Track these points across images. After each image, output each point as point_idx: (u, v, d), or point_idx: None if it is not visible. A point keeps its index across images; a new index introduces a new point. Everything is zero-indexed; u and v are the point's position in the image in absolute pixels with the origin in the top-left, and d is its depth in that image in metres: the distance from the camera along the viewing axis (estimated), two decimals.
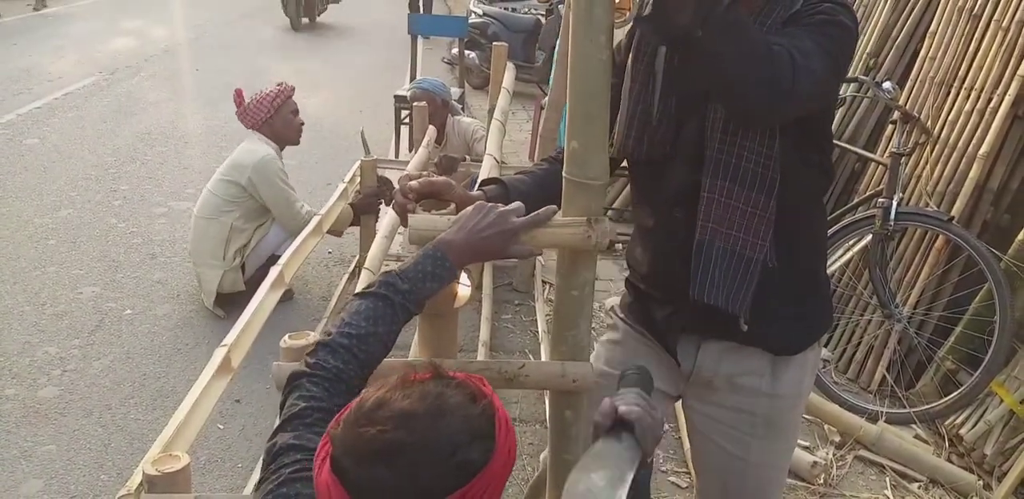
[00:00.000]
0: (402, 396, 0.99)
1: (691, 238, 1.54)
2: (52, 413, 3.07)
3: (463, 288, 1.57)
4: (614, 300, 1.89)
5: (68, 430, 2.98)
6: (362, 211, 3.92)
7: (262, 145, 3.93)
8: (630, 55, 1.62)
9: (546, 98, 4.78)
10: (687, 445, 2.98)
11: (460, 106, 5.77)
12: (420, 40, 6.77)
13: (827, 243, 1.84)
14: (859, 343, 3.57)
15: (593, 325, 1.90)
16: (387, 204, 3.94)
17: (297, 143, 4.15)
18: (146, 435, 2.92)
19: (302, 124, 4.11)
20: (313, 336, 1.59)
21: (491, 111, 4.07)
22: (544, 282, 4.38)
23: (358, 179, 4.08)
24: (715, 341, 1.66)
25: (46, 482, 2.71)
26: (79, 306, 3.89)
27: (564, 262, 1.49)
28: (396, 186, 1.59)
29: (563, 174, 1.43)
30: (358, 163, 4.09)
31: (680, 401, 1.84)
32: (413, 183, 1.51)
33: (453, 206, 1.53)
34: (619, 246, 4.90)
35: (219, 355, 2.04)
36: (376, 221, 3.93)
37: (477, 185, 1.74)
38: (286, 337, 1.58)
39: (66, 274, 4.21)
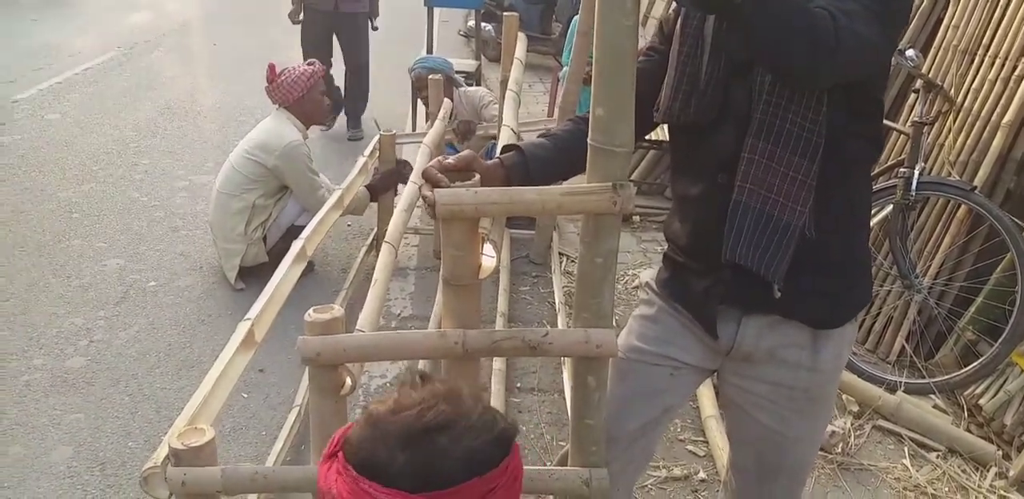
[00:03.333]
0: (417, 390, 0.99)
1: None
2: (79, 382, 3.12)
3: (487, 259, 1.58)
4: (648, 274, 1.89)
5: (95, 399, 3.03)
6: (380, 191, 3.93)
7: (290, 127, 3.91)
8: (679, 21, 1.61)
9: (564, 70, 4.76)
10: (704, 414, 3.00)
11: (470, 79, 5.76)
12: (436, 12, 6.71)
13: (870, 216, 1.82)
14: (878, 314, 3.56)
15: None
16: (404, 183, 3.95)
17: (323, 123, 4.15)
18: (173, 403, 2.97)
19: (330, 105, 4.10)
20: (337, 309, 1.60)
21: (504, 82, 4.05)
22: (561, 254, 4.39)
23: (377, 154, 4.09)
24: (757, 316, 1.65)
25: (75, 449, 2.76)
26: (104, 278, 3.94)
27: (588, 230, 1.50)
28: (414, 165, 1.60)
29: (588, 141, 1.43)
30: (377, 138, 4.10)
31: (716, 375, 1.85)
32: (448, 160, 1.51)
33: (477, 177, 1.54)
34: (636, 218, 4.90)
35: (243, 329, 2.06)
36: (395, 197, 3.95)
37: (498, 151, 1.74)
38: (311, 311, 1.60)
39: (90, 247, 4.26)
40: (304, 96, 3.92)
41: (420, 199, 1.48)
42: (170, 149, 5.83)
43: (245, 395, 3.10)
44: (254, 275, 3.88)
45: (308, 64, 4.03)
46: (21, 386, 3.09)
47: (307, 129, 4.01)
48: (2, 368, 3.20)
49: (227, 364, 1.88)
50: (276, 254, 3.81)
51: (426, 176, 1.48)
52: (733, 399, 1.82)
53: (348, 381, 1.59)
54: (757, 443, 1.83)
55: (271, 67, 3.92)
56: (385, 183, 3.98)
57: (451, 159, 1.53)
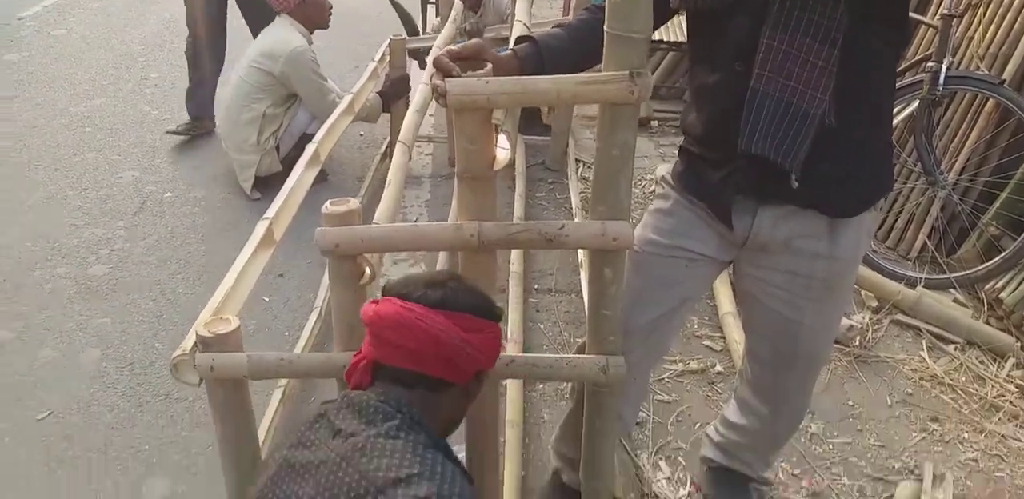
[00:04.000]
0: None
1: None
2: (103, 289, 3.17)
3: (501, 151, 1.55)
4: (664, 169, 1.86)
5: (120, 305, 3.09)
6: (392, 97, 3.86)
7: (294, 33, 3.82)
8: None
9: None
10: (721, 311, 3.02)
11: None
12: None
13: (893, 106, 1.76)
14: (900, 211, 3.53)
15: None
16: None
17: (327, 27, 4.04)
18: (196, 308, 2.97)
19: (331, 7, 3.99)
20: (353, 202, 1.60)
21: None
22: (577, 160, 4.35)
23: (387, 59, 4.01)
24: (772, 206, 1.63)
25: (103, 351, 2.83)
26: (120, 190, 3.95)
27: (604, 121, 1.46)
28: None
29: (605, 29, 1.38)
30: (387, 42, 4.01)
31: (732, 266, 1.84)
32: (453, 47, 1.47)
33: (489, 67, 1.50)
34: (654, 123, 4.81)
35: (262, 227, 2.07)
36: (406, 106, 3.88)
37: (511, 42, 1.70)
38: (327, 203, 1.59)
39: (105, 160, 4.26)
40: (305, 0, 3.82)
41: (432, 90, 1.44)
42: (178, 62, 5.69)
43: (266, 299, 3.14)
44: (269, 185, 3.88)
45: None
46: (46, 294, 3.15)
47: (311, 34, 3.92)
48: (26, 277, 3.25)
49: (248, 261, 1.89)
50: (289, 163, 3.76)
51: (437, 65, 1.45)
52: (749, 290, 1.83)
53: (368, 272, 1.60)
54: (773, 333, 1.84)
55: None
56: (396, 89, 3.91)
57: (459, 47, 1.49)
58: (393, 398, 1.28)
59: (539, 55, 1.59)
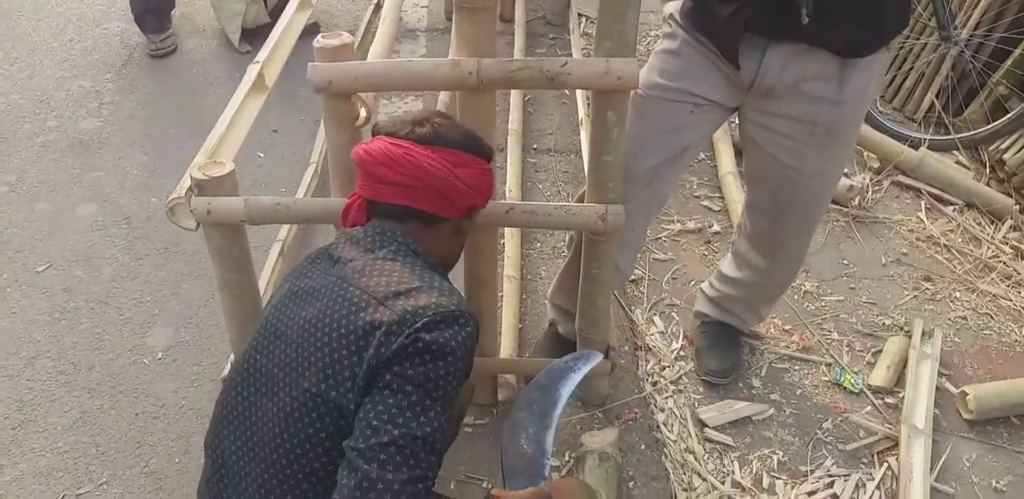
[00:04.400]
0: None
1: None
2: (95, 143, 3.12)
3: None
4: (673, 6, 1.77)
5: (113, 158, 3.04)
6: None
7: None
8: None
9: None
10: (721, 171, 2.99)
11: None
12: None
13: None
14: (910, 69, 3.42)
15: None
16: None
17: None
18: (190, 161, 2.96)
19: None
20: (346, 36, 1.52)
21: None
22: (580, 15, 4.17)
23: None
24: (781, 44, 1.57)
25: (99, 205, 2.82)
26: (106, 41, 3.81)
27: None
28: None
29: None
30: None
31: (737, 114, 1.80)
32: None
33: None
34: None
35: (253, 72, 2.00)
36: None
37: None
38: (319, 37, 1.52)
39: (88, 10, 4.09)
40: None
41: None
42: None
43: (261, 155, 3.09)
44: (259, 37, 3.71)
45: None
46: (38, 147, 3.09)
47: None
48: (17, 130, 3.19)
49: (240, 105, 1.84)
50: (277, 15, 3.62)
51: None
52: (752, 137, 1.79)
53: (363, 112, 1.55)
54: (773, 181, 1.82)
55: None
56: None
57: None
58: (388, 229, 1.32)
59: None
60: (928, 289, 2.59)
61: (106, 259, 2.60)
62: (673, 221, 2.83)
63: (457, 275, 1.63)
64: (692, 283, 2.56)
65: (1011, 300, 2.55)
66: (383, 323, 1.15)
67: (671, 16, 1.75)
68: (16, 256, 2.60)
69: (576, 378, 1.40)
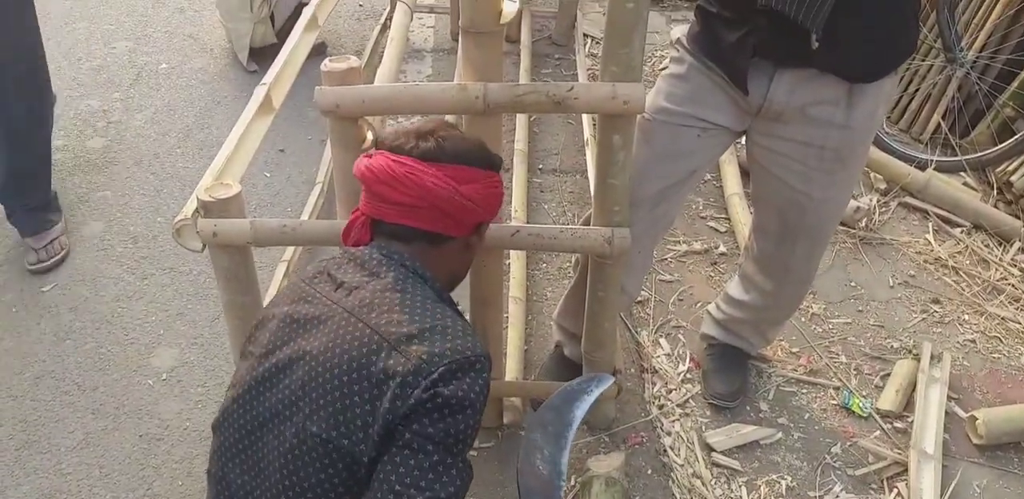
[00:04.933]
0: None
1: None
2: (102, 162, 3.12)
3: (508, 3, 1.48)
4: (680, 30, 1.78)
5: (120, 178, 3.05)
6: None
7: None
8: None
9: None
10: (727, 192, 2.99)
11: None
12: None
13: None
14: (916, 91, 3.42)
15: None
16: None
17: None
18: (196, 181, 2.93)
19: None
20: (354, 59, 1.53)
21: None
22: (585, 35, 4.19)
23: None
24: (790, 69, 1.57)
25: (106, 224, 2.82)
26: (115, 60, 3.83)
27: None
28: None
29: None
30: None
31: (744, 138, 1.79)
32: None
33: None
34: None
35: (260, 93, 2.00)
36: None
37: None
38: (327, 60, 1.52)
39: (97, 29, 4.11)
40: None
41: None
42: None
43: (268, 174, 3.10)
44: (266, 57, 3.75)
45: None
46: None
47: None
48: None
49: (247, 127, 1.84)
50: (285, 35, 3.64)
51: None
52: (760, 161, 1.79)
53: (369, 135, 1.56)
54: (781, 205, 1.82)
55: None
56: None
57: None
58: (394, 252, 1.27)
59: None
60: (936, 312, 2.57)
61: (111, 279, 2.60)
62: (679, 242, 2.82)
63: (462, 296, 1.63)
64: (698, 305, 2.55)
65: (1020, 323, 2.53)
66: (398, 373, 1.10)
67: (678, 40, 1.76)
68: (23, 274, 2.60)
69: (589, 400, 1.38)
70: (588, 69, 3.79)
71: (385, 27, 4.06)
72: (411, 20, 2.17)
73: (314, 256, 2.64)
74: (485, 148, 1.35)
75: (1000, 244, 2.86)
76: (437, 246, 1.30)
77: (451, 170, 1.26)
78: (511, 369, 2.18)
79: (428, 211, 1.26)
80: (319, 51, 3.76)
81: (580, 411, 1.36)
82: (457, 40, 3.66)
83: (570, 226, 1.75)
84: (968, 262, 2.77)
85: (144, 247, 2.72)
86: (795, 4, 1.44)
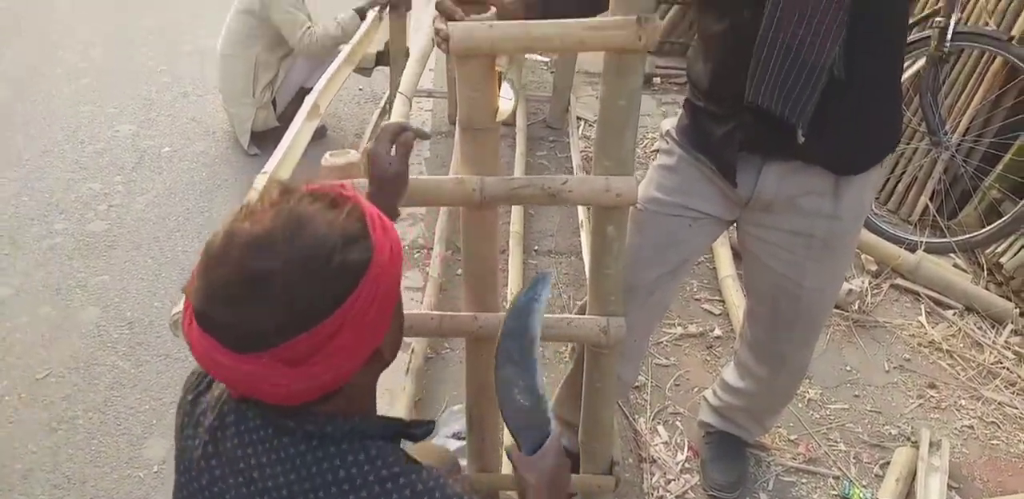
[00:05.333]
0: (252, 223, 0.88)
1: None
2: (102, 246, 3.15)
3: (504, 101, 1.52)
4: (669, 122, 1.82)
5: (119, 262, 3.07)
6: (366, 7, 3.72)
7: None
8: None
9: None
10: (721, 274, 3.01)
11: None
12: None
13: (903, 61, 1.72)
14: (903, 173, 3.50)
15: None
16: (393, 8, 3.68)
17: None
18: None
19: None
20: (353, 154, 1.57)
21: None
22: (579, 118, 4.30)
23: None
24: (778, 162, 1.61)
25: (103, 309, 2.82)
26: (118, 144, 3.91)
27: (610, 68, 1.42)
28: None
29: None
30: None
31: (734, 226, 1.83)
32: None
33: (493, 11, 1.45)
34: (657, 80, 4.75)
35: (260, 182, 2.03)
36: (405, 57, 3.80)
37: None
38: (327, 155, 1.56)
39: (101, 113, 4.20)
40: None
41: (434, 34, 1.41)
42: (174, 13, 5.64)
43: None
44: (267, 140, 3.84)
45: None
46: (44, 249, 3.12)
47: None
48: (25, 233, 3.22)
49: None
50: (286, 120, 3.73)
51: (439, 8, 1.40)
52: (751, 249, 1.81)
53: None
54: (773, 292, 1.83)
55: None
56: (373, 2, 3.76)
57: None
58: (294, 427, 0.96)
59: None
60: (933, 397, 2.56)
61: (106, 366, 2.59)
62: (674, 325, 2.83)
63: (459, 382, 1.61)
64: (696, 390, 2.54)
65: (1017, 408, 2.52)
66: None
67: (668, 133, 1.80)
68: (17, 362, 2.59)
69: (540, 308, 1.33)
70: (581, 151, 3.87)
71: (384, 111, 4.17)
72: (410, 109, 2.23)
73: None
74: (331, 254, 0.87)
75: (993, 326, 2.87)
76: (332, 396, 0.95)
77: (273, 355, 0.86)
78: (507, 461, 2.15)
79: (285, 399, 0.92)
80: (319, 134, 3.85)
81: (536, 325, 1.32)
82: (455, 123, 3.74)
83: (566, 315, 1.76)
84: (962, 345, 2.78)
85: (140, 333, 2.72)
86: (780, 100, 1.49)
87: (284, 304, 0.84)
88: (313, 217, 0.88)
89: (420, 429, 1.08)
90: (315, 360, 0.87)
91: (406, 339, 1.36)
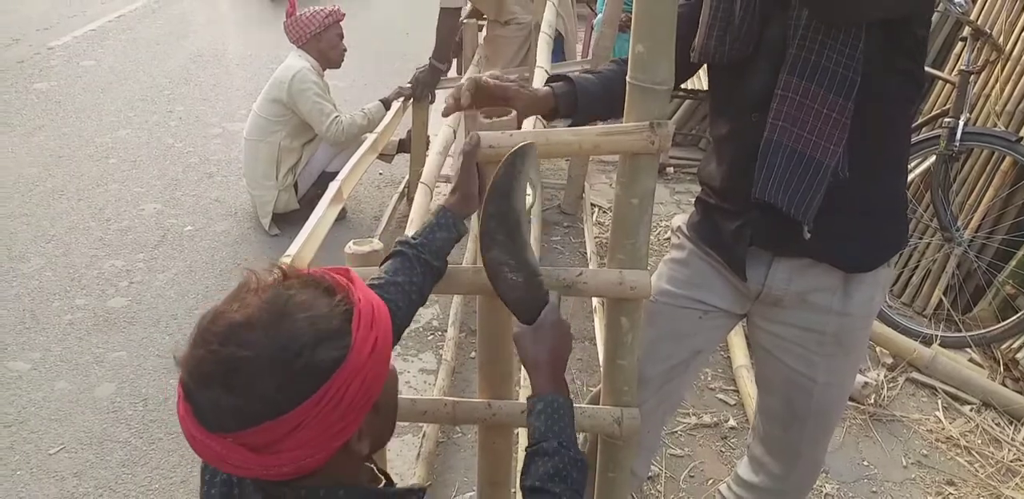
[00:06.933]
0: (239, 306, 0.89)
1: None
2: (121, 322, 3.19)
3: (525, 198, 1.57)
4: (680, 219, 1.88)
5: (137, 338, 3.10)
6: (391, 98, 3.91)
7: (302, 61, 3.87)
8: None
9: (598, 18, 4.66)
10: (735, 363, 3.01)
11: None
12: None
13: (908, 158, 1.77)
14: (916, 266, 3.52)
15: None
16: (417, 99, 3.93)
17: (338, 66, 4.08)
18: None
19: (345, 50, 4.04)
20: (376, 242, 1.61)
21: (537, 26, 3.97)
22: (592, 205, 4.37)
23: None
24: (787, 258, 1.64)
25: (118, 385, 2.84)
26: (142, 222, 4.00)
27: (624, 170, 1.48)
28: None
29: (627, 79, 1.41)
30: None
31: (745, 320, 1.84)
32: (487, 80, 1.50)
33: (513, 114, 1.52)
34: (670, 170, 4.85)
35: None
36: (426, 147, 3.93)
37: (544, 82, 1.72)
38: (351, 243, 1.61)
39: (128, 192, 4.31)
40: (320, 34, 3.85)
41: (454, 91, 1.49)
42: (203, 96, 5.84)
43: None
44: (288, 221, 3.92)
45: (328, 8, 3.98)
46: (64, 325, 3.16)
47: (323, 71, 3.97)
48: (46, 308, 3.27)
49: None
50: (307, 202, 3.85)
51: (457, 97, 1.49)
52: (762, 344, 1.82)
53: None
54: (786, 388, 1.83)
55: (292, 2, 3.85)
56: (399, 93, 3.92)
57: (494, 82, 1.52)
58: (286, 492, 0.97)
59: (574, 95, 1.62)
60: (952, 494, 2.52)
61: (119, 443, 2.59)
62: (689, 414, 2.81)
63: (470, 468, 1.61)
64: (710, 481, 2.51)
65: None
66: None
67: (679, 228, 1.85)
68: (31, 437, 2.59)
69: (521, 185, 1.33)
70: (595, 237, 3.93)
71: (403, 195, 4.26)
72: (431, 199, 2.30)
73: None
74: (301, 350, 0.88)
75: (1011, 422, 2.84)
76: (313, 474, 0.95)
77: (240, 439, 0.88)
78: None
79: (263, 476, 0.93)
80: (340, 216, 3.91)
81: (519, 203, 1.34)
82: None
83: (579, 405, 1.76)
84: (980, 441, 2.74)
85: (154, 410, 2.73)
86: (786, 197, 1.53)
87: (248, 393, 0.86)
88: (298, 308, 0.90)
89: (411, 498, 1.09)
90: (277, 449, 0.87)
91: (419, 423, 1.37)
